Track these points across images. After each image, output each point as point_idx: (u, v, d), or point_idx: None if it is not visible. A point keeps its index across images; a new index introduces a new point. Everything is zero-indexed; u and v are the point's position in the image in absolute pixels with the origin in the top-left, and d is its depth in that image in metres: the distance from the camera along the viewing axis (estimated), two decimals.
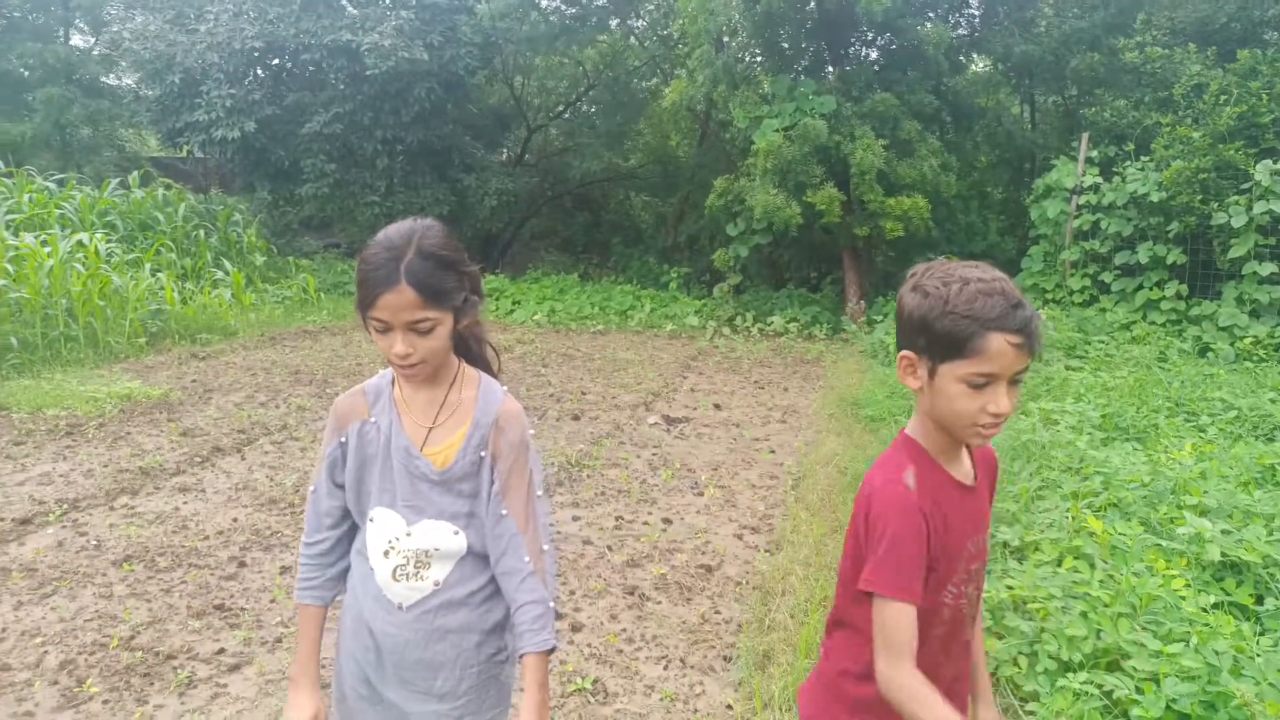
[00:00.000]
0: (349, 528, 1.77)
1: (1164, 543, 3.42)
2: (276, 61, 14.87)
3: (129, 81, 18.04)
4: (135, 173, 13.89)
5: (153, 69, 13.80)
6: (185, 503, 4.91)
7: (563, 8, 15.56)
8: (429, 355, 1.57)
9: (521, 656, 1.64)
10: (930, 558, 1.41)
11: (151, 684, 3.11)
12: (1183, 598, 2.92)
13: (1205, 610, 2.90)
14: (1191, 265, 9.00)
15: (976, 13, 14.00)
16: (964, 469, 1.50)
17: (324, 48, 13.51)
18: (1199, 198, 8.70)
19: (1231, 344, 8.06)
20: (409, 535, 1.64)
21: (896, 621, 1.37)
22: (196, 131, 13.87)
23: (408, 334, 1.54)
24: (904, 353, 1.44)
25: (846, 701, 1.53)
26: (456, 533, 1.65)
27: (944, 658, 1.52)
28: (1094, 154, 10.03)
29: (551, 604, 1.66)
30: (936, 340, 1.37)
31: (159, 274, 10.34)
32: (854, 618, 1.51)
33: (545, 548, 1.69)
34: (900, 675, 1.36)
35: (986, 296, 1.33)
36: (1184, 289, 8.95)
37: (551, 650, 1.64)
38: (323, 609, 1.77)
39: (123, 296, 9.24)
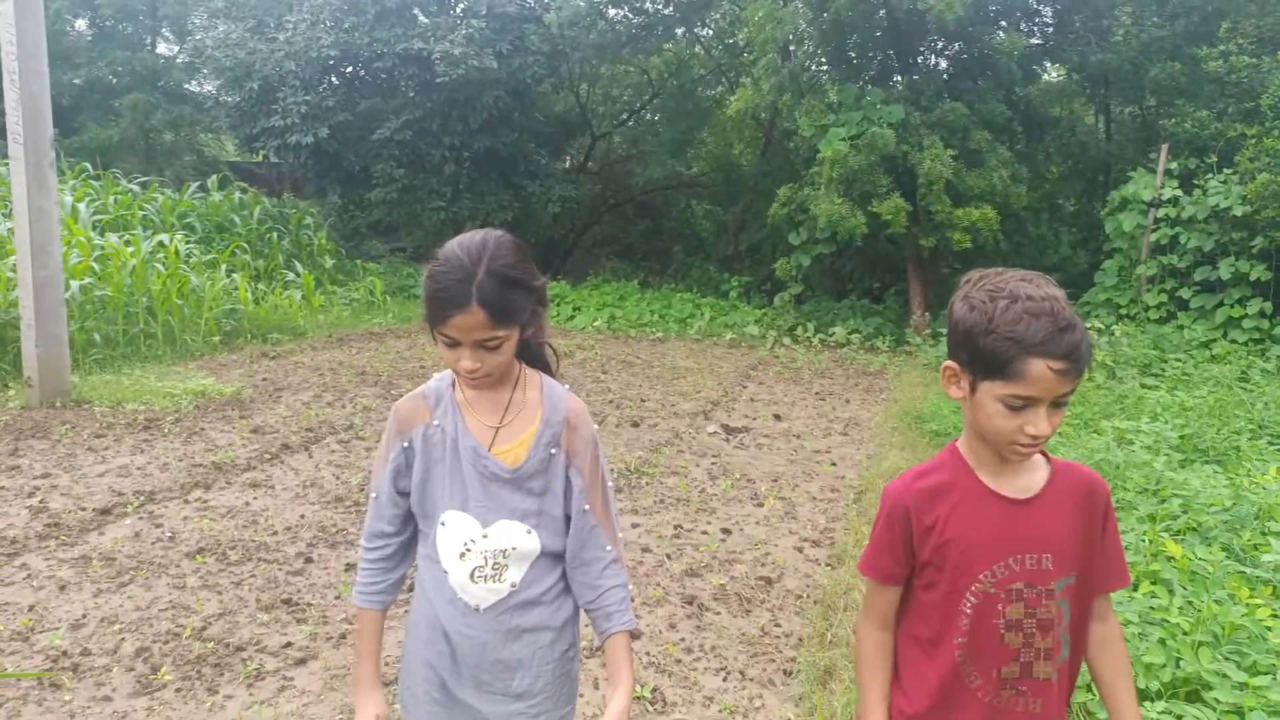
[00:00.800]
0: (411, 533, 1.78)
1: (1248, 570, 3.28)
2: (350, 69, 15.25)
3: (210, 88, 18.68)
4: (214, 176, 14.38)
5: (233, 76, 14.27)
6: (255, 498, 5.04)
7: (629, 16, 15.67)
8: (495, 369, 1.61)
9: (608, 637, 1.69)
10: (921, 555, 1.47)
11: (222, 674, 3.19)
12: (1269, 628, 2.80)
13: None
14: (1277, 282, 8.65)
15: (1050, 21, 13.70)
16: (1018, 483, 1.46)
17: (396, 56, 13.80)
18: None
19: None
20: (485, 537, 1.65)
21: (869, 592, 1.56)
22: (272, 137, 14.29)
23: (476, 350, 1.57)
24: (948, 363, 1.43)
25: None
26: (529, 532, 1.66)
27: (984, 688, 1.45)
28: (1173, 166, 9.72)
29: (627, 594, 1.71)
30: (978, 357, 1.35)
31: (234, 275, 10.67)
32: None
33: (619, 536, 1.76)
34: (862, 631, 1.57)
35: (1033, 318, 1.30)
36: (1268, 306, 8.61)
37: (634, 633, 1.69)
38: (382, 613, 1.80)
39: (199, 296, 9.55)
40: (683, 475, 5.81)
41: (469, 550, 1.66)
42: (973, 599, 1.43)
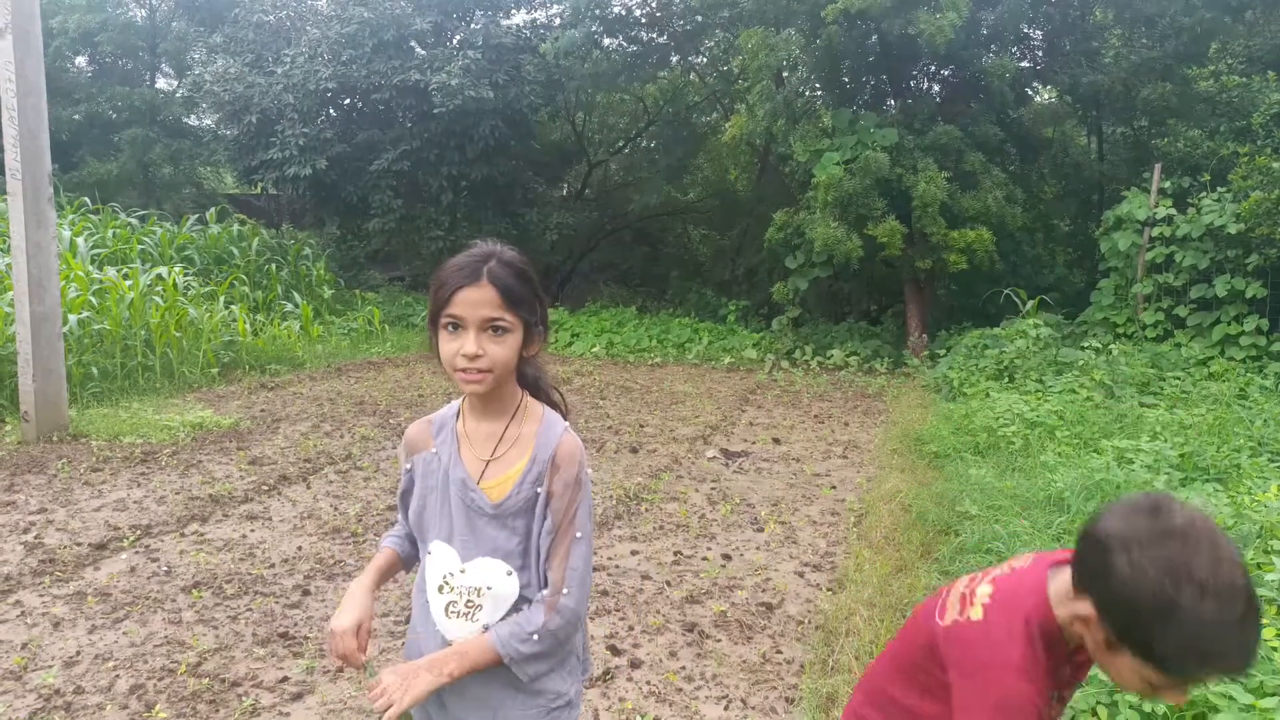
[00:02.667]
0: None
1: None
2: (348, 101, 15.37)
3: (209, 122, 18.81)
4: (212, 209, 14.44)
5: (231, 110, 14.38)
6: (252, 530, 5.01)
7: (624, 45, 15.81)
8: (495, 364, 1.56)
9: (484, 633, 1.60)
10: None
11: (217, 710, 3.15)
12: (1275, 649, 2.77)
13: None
14: (1273, 299, 8.66)
15: (1040, 44, 13.82)
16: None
17: (394, 87, 13.92)
18: None
19: None
20: (463, 572, 1.62)
21: None
22: (271, 169, 14.38)
23: (480, 335, 1.54)
24: (1089, 611, 1.22)
25: None
26: (510, 573, 1.62)
27: None
28: (1167, 185, 9.77)
29: (535, 636, 1.58)
30: (1139, 640, 1.16)
31: (232, 306, 10.69)
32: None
33: (565, 592, 1.61)
34: None
35: (1224, 630, 1.09)
36: (1265, 323, 8.61)
37: (501, 660, 1.57)
38: (398, 555, 1.80)
39: (198, 328, 9.56)
40: (682, 501, 5.78)
41: (446, 584, 1.64)
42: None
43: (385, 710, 1.51)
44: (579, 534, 1.63)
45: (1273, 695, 2.57)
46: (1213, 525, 1.17)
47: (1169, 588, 1.09)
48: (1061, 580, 1.32)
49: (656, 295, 17.25)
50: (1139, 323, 9.62)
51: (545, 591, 1.62)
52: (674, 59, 16.84)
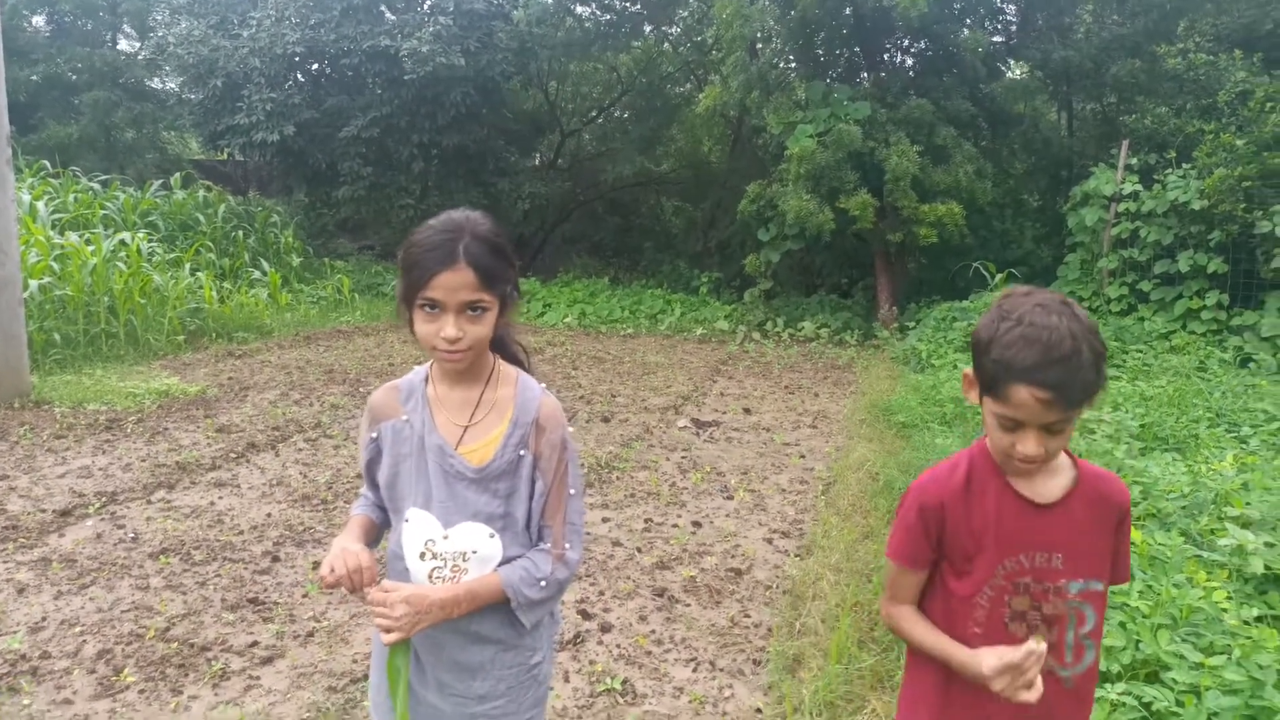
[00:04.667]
0: None
1: (1205, 554, 3.35)
2: (316, 66, 15.08)
3: (173, 85, 18.37)
4: (177, 174, 14.16)
5: (196, 73, 14.05)
6: (220, 498, 4.98)
7: (598, 14, 15.65)
8: (476, 342, 1.56)
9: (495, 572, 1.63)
10: (951, 546, 1.52)
11: (186, 675, 3.15)
12: (1224, 610, 2.86)
13: (1248, 623, 2.84)
14: (1233, 275, 8.81)
15: (1013, 19, 13.86)
16: (1039, 489, 1.50)
17: (363, 53, 13.67)
18: (1242, 206, 8.52)
19: (1274, 355, 7.88)
20: (446, 538, 1.62)
21: (891, 575, 1.58)
22: (237, 134, 14.10)
23: (459, 317, 1.53)
24: (967, 370, 1.48)
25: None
26: (493, 536, 1.63)
27: (991, 704, 1.49)
28: (1134, 161, 9.87)
29: (543, 583, 1.64)
30: (980, 372, 1.42)
31: (198, 273, 10.52)
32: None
33: (574, 540, 1.69)
34: (892, 609, 1.60)
35: (1027, 344, 1.31)
36: (1225, 298, 8.77)
37: (511, 603, 1.62)
38: (373, 521, 1.78)
39: (163, 295, 9.41)
40: (653, 469, 5.82)
41: (429, 550, 1.63)
42: (989, 590, 1.50)
43: (387, 631, 1.52)
44: (572, 490, 1.69)
45: (1221, 654, 2.65)
46: (1050, 296, 1.39)
47: (996, 321, 1.38)
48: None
49: (629, 266, 17.20)
50: (1104, 297, 9.76)
51: (546, 544, 1.66)
52: (647, 28, 16.69)
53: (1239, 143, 8.78)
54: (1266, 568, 3.17)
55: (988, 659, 1.41)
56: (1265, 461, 4.57)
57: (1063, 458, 1.53)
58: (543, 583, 1.64)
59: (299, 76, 14.89)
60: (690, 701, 3.08)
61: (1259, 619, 2.96)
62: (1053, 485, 1.50)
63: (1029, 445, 1.37)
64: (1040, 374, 1.30)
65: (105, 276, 8.82)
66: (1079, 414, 1.39)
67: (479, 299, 1.53)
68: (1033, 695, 1.36)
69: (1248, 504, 3.69)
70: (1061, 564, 1.48)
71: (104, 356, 8.38)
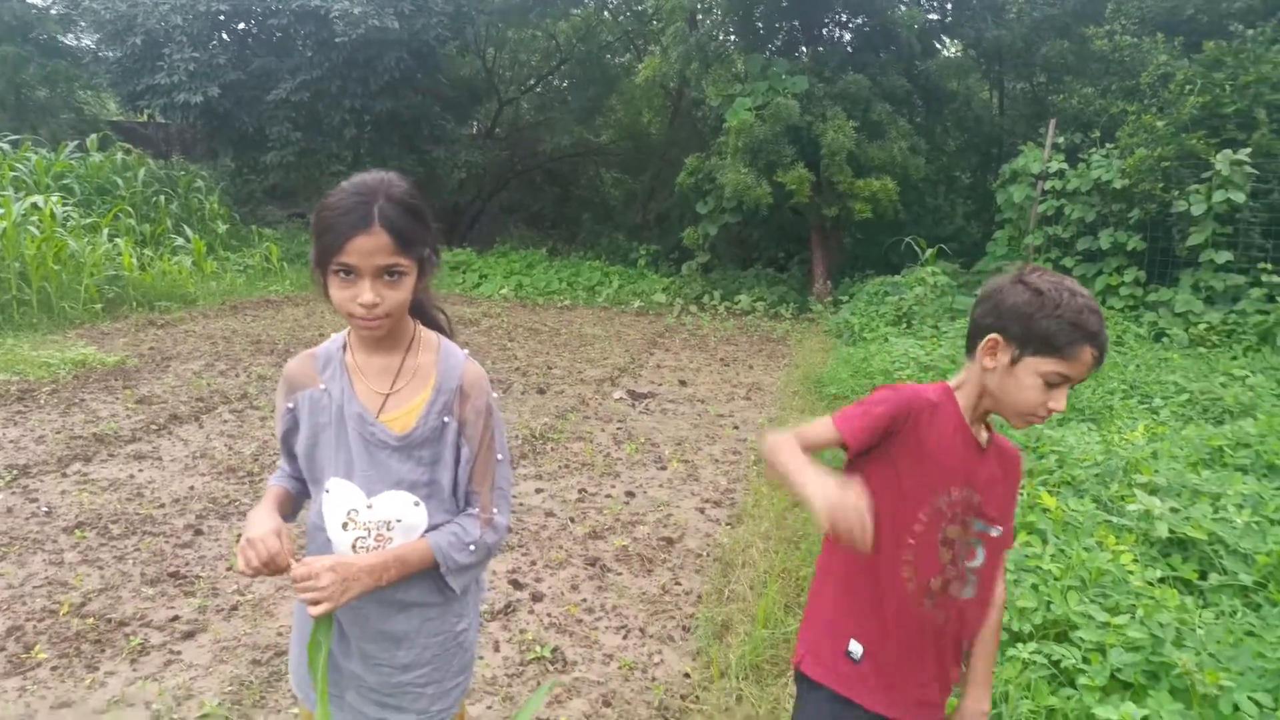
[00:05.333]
0: None
1: (1114, 519, 3.49)
2: (242, 26, 14.55)
3: (88, 42, 17.52)
4: (93, 136, 13.56)
5: (113, 30, 13.44)
6: (141, 470, 4.83)
7: None
8: (394, 308, 1.53)
9: (422, 539, 1.61)
10: (905, 451, 1.60)
11: (103, 651, 3.07)
12: (1130, 572, 2.99)
13: (1151, 584, 2.97)
14: (1150, 252, 9.13)
15: None
16: (981, 434, 1.67)
17: (292, 13, 13.24)
18: (1160, 186, 8.82)
19: (1186, 330, 8.21)
20: (370, 507, 1.59)
21: (817, 427, 1.59)
22: (158, 95, 13.56)
23: (376, 282, 1.49)
24: (993, 335, 1.56)
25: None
26: (417, 504, 1.61)
27: (917, 639, 1.64)
28: (1060, 140, 10.12)
29: (472, 547, 1.63)
30: (1034, 335, 1.52)
31: (116, 240, 10.12)
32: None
33: (502, 505, 1.68)
34: (783, 441, 1.52)
35: (1092, 313, 1.50)
36: (1142, 275, 9.08)
37: (441, 568, 1.60)
38: (290, 493, 1.73)
39: (79, 261, 9.04)
40: (588, 440, 5.83)
41: (352, 520, 1.60)
42: (928, 510, 1.62)
43: (314, 604, 1.48)
44: (500, 456, 1.68)
45: (1126, 613, 2.77)
46: (1068, 278, 1.57)
47: (1054, 291, 1.52)
48: (956, 380, 1.67)
49: (567, 238, 17.10)
50: None
51: (474, 509, 1.65)
52: None
53: (1159, 124, 9.06)
54: (1170, 532, 3.32)
55: (825, 492, 1.38)
56: (1174, 431, 4.78)
57: None
58: (472, 546, 1.63)
59: (224, 36, 14.37)
60: (620, 668, 3.11)
61: (1161, 580, 3.10)
62: (982, 434, 1.67)
63: (1063, 402, 1.54)
64: (1102, 338, 1.51)
65: (16, 241, 8.43)
66: None
67: (395, 263, 1.49)
68: (863, 542, 1.36)
69: (1156, 472, 3.85)
70: (979, 503, 1.64)
71: (15, 325, 8.02)
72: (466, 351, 1.70)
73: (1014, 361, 1.54)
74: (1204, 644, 2.56)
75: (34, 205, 9.38)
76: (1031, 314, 1.51)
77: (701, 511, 4.66)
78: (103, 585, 3.53)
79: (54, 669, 2.94)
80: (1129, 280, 9.08)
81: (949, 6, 13.99)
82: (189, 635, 3.20)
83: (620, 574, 3.87)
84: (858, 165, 11.22)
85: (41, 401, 5.95)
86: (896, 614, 1.63)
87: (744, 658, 3.06)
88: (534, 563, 3.93)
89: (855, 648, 1.65)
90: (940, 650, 1.67)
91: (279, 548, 1.51)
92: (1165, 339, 8.16)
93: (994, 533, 1.66)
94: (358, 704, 1.71)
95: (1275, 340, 7.56)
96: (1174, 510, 3.46)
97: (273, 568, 1.51)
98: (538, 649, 3.18)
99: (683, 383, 7.68)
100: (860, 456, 1.62)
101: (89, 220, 10.44)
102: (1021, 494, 3.78)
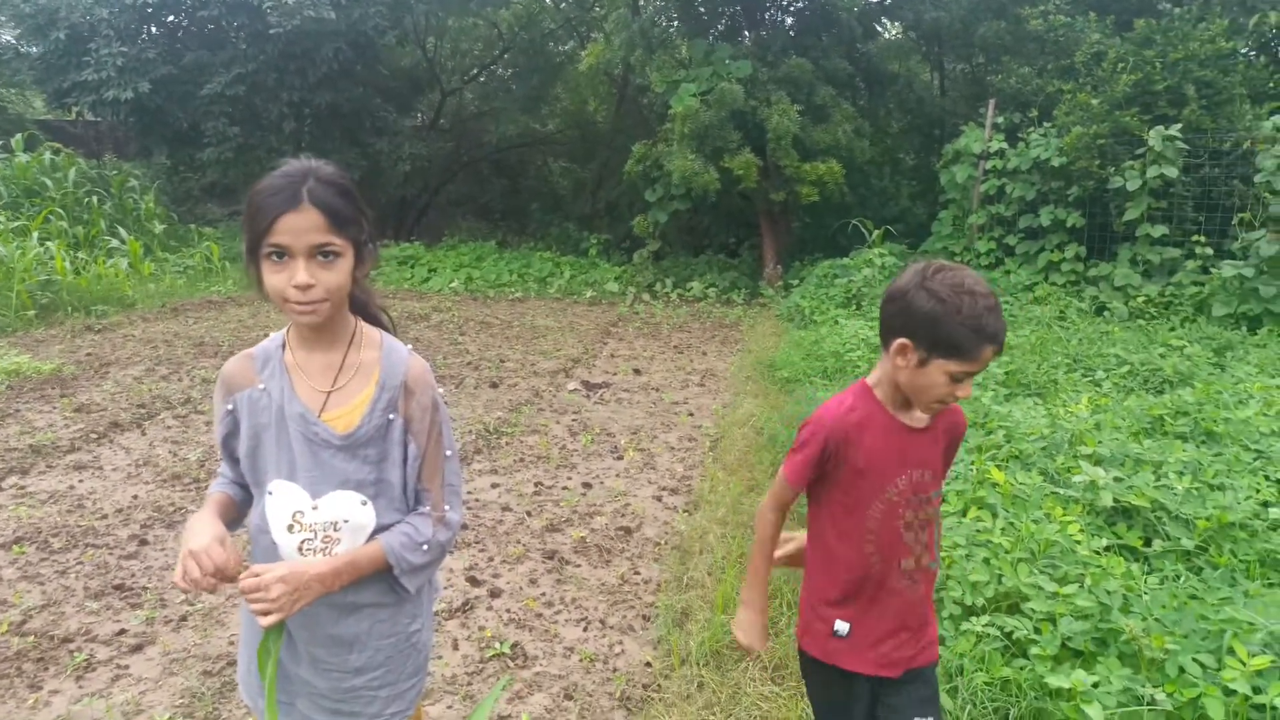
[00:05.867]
0: None
1: (1061, 491, 3.56)
2: (172, 18, 14.13)
3: (9, 38, 16.89)
4: (19, 135, 13.08)
5: (34, 24, 12.95)
6: (81, 481, 4.69)
7: None
8: (330, 292, 1.49)
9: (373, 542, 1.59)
10: (847, 470, 1.76)
11: (46, 669, 2.97)
12: (1078, 542, 3.06)
13: (1098, 553, 3.04)
14: (1089, 228, 9.34)
15: None
16: (915, 416, 1.78)
17: (223, 4, 12.89)
18: (1097, 163, 9.02)
19: (1125, 303, 8.42)
20: (315, 509, 1.56)
21: (779, 487, 1.83)
22: (86, 92, 13.10)
23: (309, 263, 1.46)
24: (902, 340, 1.67)
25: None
26: (365, 503, 1.58)
27: (898, 609, 1.81)
28: (1000, 120, 10.30)
29: (425, 547, 1.61)
30: (940, 341, 1.63)
31: (48, 243, 9.79)
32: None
33: (447, 507, 1.66)
34: (768, 514, 1.86)
35: (991, 313, 1.61)
36: (1083, 251, 9.29)
37: (394, 569, 1.59)
38: (232, 499, 1.68)
39: (8, 266, 8.73)
40: (543, 433, 5.79)
41: (297, 522, 1.57)
42: (880, 505, 1.76)
43: (265, 615, 1.45)
44: (448, 452, 1.66)
45: (1074, 583, 2.84)
46: (969, 271, 1.67)
47: (954, 296, 1.61)
48: (874, 376, 1.79)
49: (517, 229, 16.95)
50: (974, 251, 10.20)
51: (425, 507, 1.63)
52: None
53: (1094, 102, 9.26)
54: (1115, 501, 3.41)
55: (742, 622, 1.93)
56: (1116, 403, 4.90)
57: None
58: (425, 546, 1.61)
59: (153, 29, 13.94)
60: (581, 660, 3.10)
61: (1108, 549, 3.18)
62: (915, 416, 1.78)
63: (968, 389, 1.67)
64: (1000, 336, 1.62)
65: None
66: None
67: (328, 242, 1.46)
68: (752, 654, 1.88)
69: (1100, 443, 3.94)
70: (930, 478, 1.78)
71: None
72: (410, 347, 1.68)
73: (922, 363, 1.66)
74: (1149, 609, 2.63)
75: None
76: (936, 321, 1.62)
77: (659, 500, 4.66)
78: (44, 601, 3.42)
79: None
80: (1070, 256, 9.28)
81: None
82: (137, 648, 3.11)
83: (579, 566, 3.86)
84: (803, 149, 11.28)
85: None
86: (873, 595, 1.80)
87: (704, 644, 3.07)
88: (491, 559, 3.90)
89: (841, 626, 1.82)
90: (918, 602, 1.83)
91: (225, 557, 1.47)
92: (1106, 313, 8.36)
93: (940, 494, 1.83)
94: (309, 711, 1.68)
95: (1210, 311, 7.79)
96: (1118, 480, 3.55)
97: (220, 578, 1.46)
98: (497, 645, 3.16)
99: (637, 371, 7.68)
100: (831, 491, 1.82)
101: (18, 224, 10.09)
102: (971, 469, 3.84)
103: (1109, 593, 2.73)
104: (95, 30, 12.82)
